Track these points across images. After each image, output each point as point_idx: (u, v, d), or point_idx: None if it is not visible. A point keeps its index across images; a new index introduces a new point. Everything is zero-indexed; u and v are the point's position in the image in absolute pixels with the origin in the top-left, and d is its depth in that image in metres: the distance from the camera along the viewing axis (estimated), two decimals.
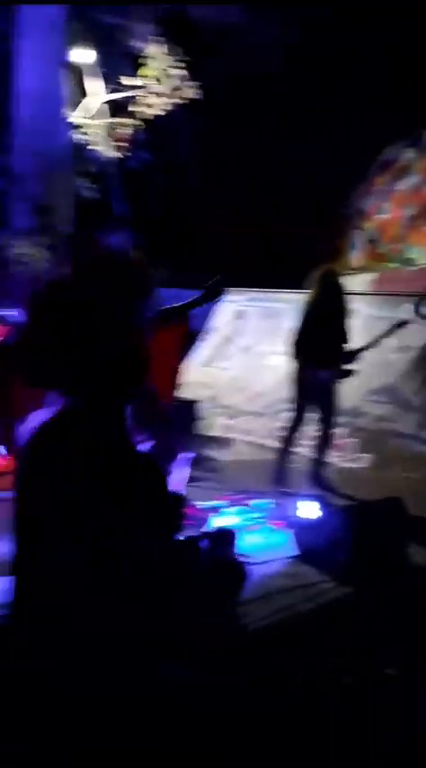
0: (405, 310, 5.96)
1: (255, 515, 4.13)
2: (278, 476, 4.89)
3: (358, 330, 5.24)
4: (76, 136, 7.34)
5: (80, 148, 7.46)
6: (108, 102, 7.76)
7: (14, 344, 1.72)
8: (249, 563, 3.41)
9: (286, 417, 5.12)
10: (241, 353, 7.46)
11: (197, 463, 4.48)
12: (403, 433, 5.60)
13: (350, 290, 5.22)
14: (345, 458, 5.54)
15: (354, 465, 5.47)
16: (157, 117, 7.73)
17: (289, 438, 4.98)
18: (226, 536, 2.17)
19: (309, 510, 3.86)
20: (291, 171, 9.08)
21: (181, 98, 7.62)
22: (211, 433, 6.47)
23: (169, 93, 7.55)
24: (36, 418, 1.51)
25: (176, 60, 7.52)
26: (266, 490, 4.61)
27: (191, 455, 3.84)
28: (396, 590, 3.08)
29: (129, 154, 8.11)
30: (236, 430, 6.50)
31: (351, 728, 1.83)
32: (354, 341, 4.95)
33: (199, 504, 4.06)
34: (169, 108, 7.68)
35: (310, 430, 5.06)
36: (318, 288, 4.88)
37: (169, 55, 7.52)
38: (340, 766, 1.70)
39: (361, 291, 6.67)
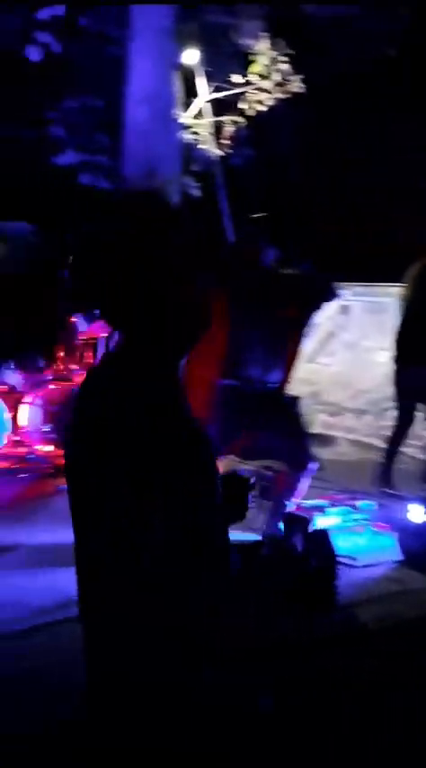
0: None
1: (358, 517, 4.15)
2: (382, 476, 4.85)
3: None
4: (185, 136, 7.51)
5: (189, 148, 7.63)
6: (215, 100, 7.89)
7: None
8: (350, 566, 3.48)
9: (392, 416, 5.07)
10: (345, 349, 7.43)
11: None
12: None
13: None
14: None
15: None
16: (262, 113, 7.77)
17: (396, 437, 4.93)
18: (320, 537, 2.00)
19: (416, 513, 3.85)
20: (395, 165, 8.88)
21: (286, 93, 7.62)
22: (312, 431, 6.52)
23: (275, 88, 7.56)
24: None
25: (282, 55, 7.52)
26: (369, 491, 4.61)
27: (316, 465, 3.88)
28: None
29: (233, 151, 8.20)
30: (339, 428, 6.51)
31: None
32: None
33: (302, 502, 4.12)
34: (274, 103, 7.70)
35: (418, 430, 4.99)
36: (414, 284, 4.80)
37: (275, 50, 7.53)
38: None
39: None
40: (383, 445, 5.07)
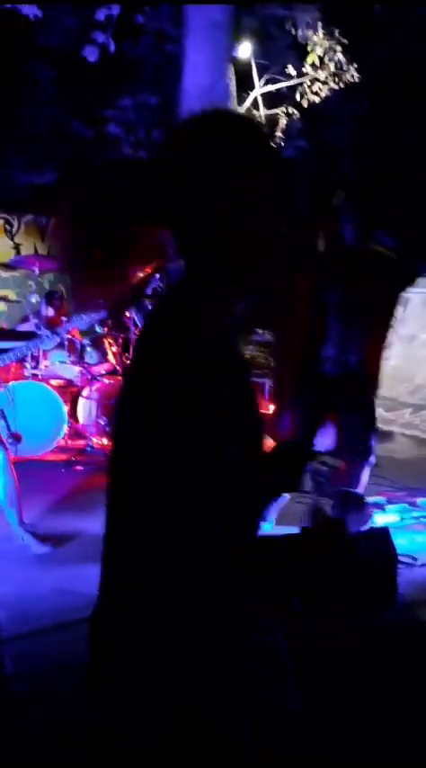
0: None
1: (417, 514, 4.07)
2: None
3: None
4: None
5: None
6: (269, 92, 7.84)
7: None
8: (410, 565, 3.41)
9: None
10: (403, 343, 7.28)
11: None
12: None
13: None
14: None
15: None
16: (316, 104, 7.68)
17: None
18: (381, 535, 1.90)
19: None
20: None
21: (342, 83, 7.50)
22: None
23: (330, 78, 7.46)
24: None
25: (337, 44, 7.40)
26: None
27: (374, 459, 3.80)
28: None
29: (287, 143, 8.13)
30: (397, 423, 6.39)
31: None
32: None
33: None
34: (330, 94, 7.60)
35: None
36: None
37: (330, 40, 7.42)
38: None
39: None
40: None
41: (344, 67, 7.46)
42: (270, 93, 7.81)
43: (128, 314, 6.42)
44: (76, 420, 6.28)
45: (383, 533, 1.76)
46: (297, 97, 7.65)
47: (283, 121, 7.63)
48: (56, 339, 4.78)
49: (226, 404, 1.17)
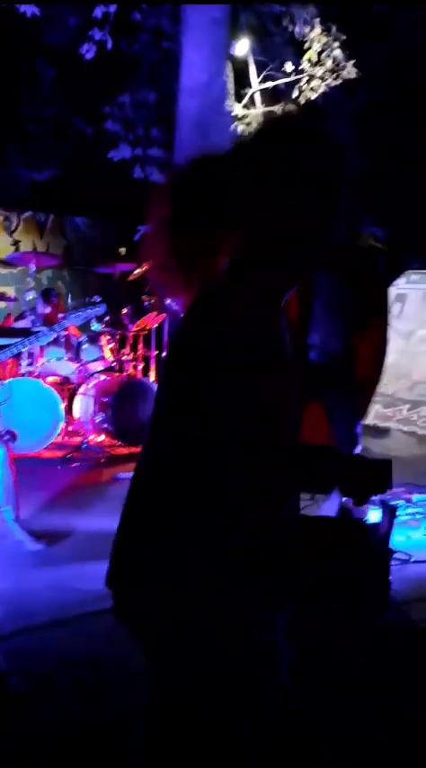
0: None
1: (413, 511, 4.08)
2: None
3: None
4: (239, 127, 7.48)
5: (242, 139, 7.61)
6: (268, 89, 7.81)
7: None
8: (404, 561, 3.40)
9: None
10: (400, 339, 7.27)
11: None
12: None
13: None
14: None
15: None
16: (316, 100, 7.66)
17: None
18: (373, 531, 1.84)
19: None
20: None
21: (340, 79, 7.48)
22: (366, 422, 6.41)
23: (328, 74, 7.44)
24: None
25: (334, 41, 7.38)
26: (425, 484, 4.52)
27: (360, 449, 3.80)
28: None
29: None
30: (394, 419, 6.38)
31: None
32: None
33: None
34: (328, 90, 7.58)
35: None
36: None
37: (328, 36, 7.40)
38: None
39: None
40: None
41: (342, 64, 7.44)
42: (267, 89, 7.79)
43: (124, 311, 6.40)
44: (73, 417, 6.26)
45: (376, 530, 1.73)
46: (295, 94, 7.63)
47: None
48: (51, 335, 4.77)
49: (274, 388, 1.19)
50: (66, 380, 6.19)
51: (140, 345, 6.83)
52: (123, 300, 6.52)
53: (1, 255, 8.63)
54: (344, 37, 7.45)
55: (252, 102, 7.75)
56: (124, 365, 6.45)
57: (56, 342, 5.90)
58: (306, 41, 7.51)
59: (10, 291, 8.97)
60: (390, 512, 1.75)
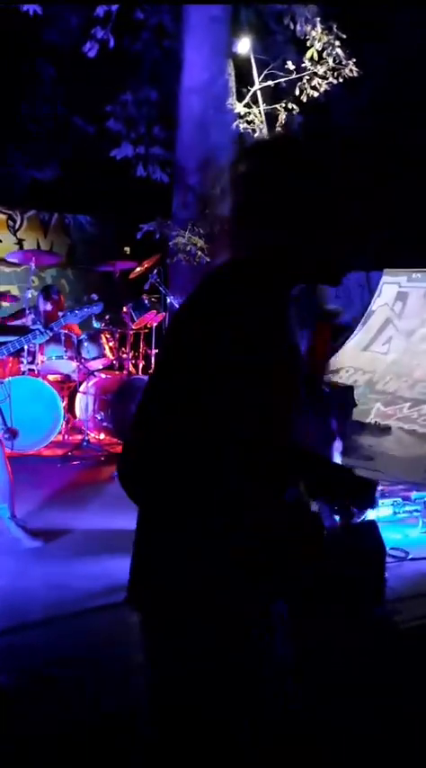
0: None
1: (411, 508, 4.06)
2: None
3: None
4: (241, 125, 7.47)
5: (243, 137, 7.59)
6: (269, 88, 7.80)
7: None
8: (401, 558, 3.40)
9: None
10: (402, 337, 7.27)
11: (351, 451, 4.44)
12: None
13: None
14: None
15: None
16: (317, 98, 7.64)
17: None
18: (368, 528, 1.84)
19: None
20: None
21: (341, 77, 7.47)
22: (367, 420, 6.41)
23: (329, 73, 7.42)
24: None
25: (335, 39, 7.36)
26: (425, 482, 4.51)
27: (341, 445, 3.82)
28: None
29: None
30: (394, 418, 6.38)
31: None
32: None
33: None
34: (329, 89, 7.56)
35: None
36: None
37: (330, 34, 7.38)
38: None
39: None
40: None
41: (343, 62, 7.42)
42: (269, 88, 7.77)
43: (125, 309, 6.40)
44: (73, 415, 6.26)
45: (370, 527, 1.73)
46: (297, 92, 7.61)
47: (283, 116, 7.59)
48: (47, 334, 4.77)
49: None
50: (66, 378, 6.19)
51: (141, 343, 6.83)
52: (124, 298, 6.51)
53: (4, 254, 8.63)
54: (344, 36, 7.43)
55: (253, 100, 7.74)
56: (124, 363, 6.45)
57: (56, 340, 5.90)
58: (307, 40, 7.50)
59: (14, 290, 8.98)
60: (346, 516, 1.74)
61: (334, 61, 7.45)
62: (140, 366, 6.78)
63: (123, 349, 6.52)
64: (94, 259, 8.86)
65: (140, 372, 6.66)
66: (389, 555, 2.73)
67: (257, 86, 7.65)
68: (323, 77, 7.50)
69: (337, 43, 7.45)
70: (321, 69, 7.44)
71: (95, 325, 6.37)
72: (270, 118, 7.61)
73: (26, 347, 5.49)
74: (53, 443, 5.70)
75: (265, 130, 7.44)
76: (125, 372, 6.39)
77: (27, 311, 6.10)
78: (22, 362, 5.71)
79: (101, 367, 6.25)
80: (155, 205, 7.87)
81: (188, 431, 1.15)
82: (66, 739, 1.99)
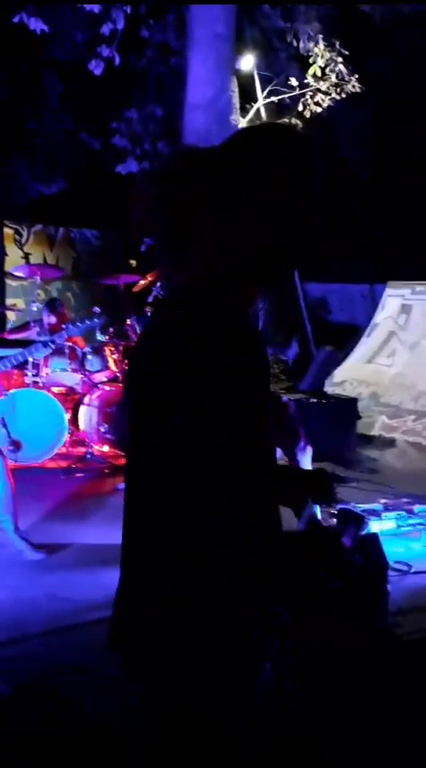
0: None
1: (415, 521, 4.05)
2: None
3: None
4: None
5: None
6: (273, 104, 7.89)
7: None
8: (403, 572, 3.37)
9: None
10: (406, 350, 7.26)
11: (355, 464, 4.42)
12: None
13: None
14: None
15: None
16: (321, 114, 7.73)
17: None
18: (370, 541, 1.83)
19: None
20: None
21: (344, 93, 7.56)
22: (372, 433, 6.40)
23: (332, 89, 7.51)
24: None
25: (338, 55, 7.46)
26: None
27: (309, 448, 3.79)
28: None
29: None
30: (399, 430, 6.36)
31: None
32: None
33: (356, 505, 4.05)
34: (333, 104, 7.65)
35: None
36: None
37: (332, 51, 7.48)
38: None
39: None
40: None
41: (346, 78, 7.51)
42: (272, 103, 7.86)
43: (128, 321, 6.43)
44: (77, 427, 6.27)
45: (372, 540, 1.71)
46: (300, 108, 7.71)
47: None
48: (50, 348, 4.78)
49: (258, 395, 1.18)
50: (70, 391, 6.21)
51: None
52: (128, 311, 6.54)
53: (10, 268, 8.69)
54: (347, 52, 7.54)
55: (257, 116, 7.83)
56: None
57: (61, 352, 5.92)
58: (310, 56, 7.60)
59: (20, 303, 9.03)
60: (356, 521, 1.73)
61: (337, 77, 7.54)
62: None
63: (127, 361, 6.54)
64: (99, 272, 8.92)
65: None
66: (392, 568, 2.74)
67: (260, 102, 7.74)
68: (326, 93, 7.59)
69: (339, 59, 7.55)
70: (323, 85, 7.53)
71: (99, 337, 6.39)
72: None
73: (31, 360, 5.52)
74: (57, 455, 5.70)
75: None
76: None
77: (32, 324, 6.14)
78: (27, 375, 5.73)
79: (105, 379, 6.26)
80: None
81: (188, 431, 1.16)
82: (66, 741, 1.98)
